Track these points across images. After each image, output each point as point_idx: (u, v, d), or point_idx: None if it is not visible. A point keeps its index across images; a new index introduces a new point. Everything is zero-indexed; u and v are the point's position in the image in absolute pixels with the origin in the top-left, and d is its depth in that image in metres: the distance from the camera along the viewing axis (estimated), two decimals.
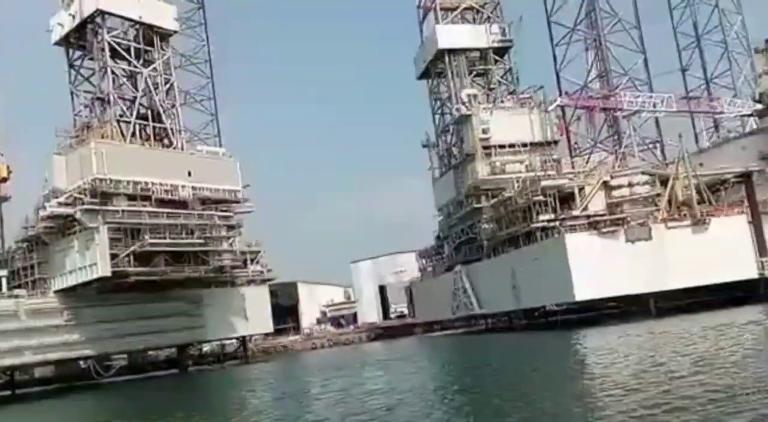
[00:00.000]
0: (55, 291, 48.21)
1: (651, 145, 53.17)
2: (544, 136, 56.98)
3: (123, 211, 47.10)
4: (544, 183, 45.88)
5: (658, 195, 45.98)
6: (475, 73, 63.04)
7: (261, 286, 63.09)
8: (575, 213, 45.23)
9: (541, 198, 45.66)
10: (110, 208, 46.59)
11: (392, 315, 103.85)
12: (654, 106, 49.27)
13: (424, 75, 66.25)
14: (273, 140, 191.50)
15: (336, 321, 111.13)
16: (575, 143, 58.57)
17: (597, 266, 42.60)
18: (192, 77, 71.32)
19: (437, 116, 65.66)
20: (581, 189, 46.34)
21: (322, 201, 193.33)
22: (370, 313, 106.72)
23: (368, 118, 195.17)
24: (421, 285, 74.92)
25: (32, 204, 50.16)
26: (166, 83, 54.79)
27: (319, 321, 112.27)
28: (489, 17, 62.96)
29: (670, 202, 46.04)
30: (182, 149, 54.61)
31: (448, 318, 68.36)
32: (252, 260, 60.71)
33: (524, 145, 56.24)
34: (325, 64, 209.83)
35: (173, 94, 55.45)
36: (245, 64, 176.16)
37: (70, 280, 47.00)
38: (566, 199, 47.01)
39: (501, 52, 63.26)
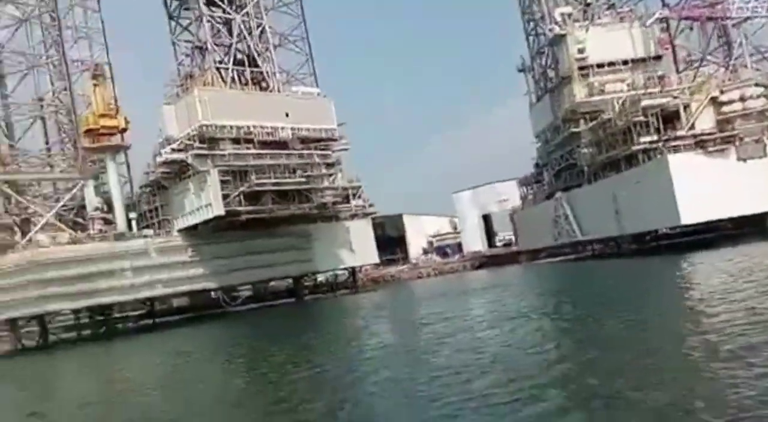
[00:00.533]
0: (178, 231, 52.76)
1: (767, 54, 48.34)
2: (646, 52, 53.39)
3: (229, 154, 50.15)
4: (644, 102, 43.63)
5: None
6: None
7: (364, 220, 65.24)
8: (680, 132, 42.84)
9: (641, 118, 43.57)
10: (217, 152, 49.71)
11: (498, 244, 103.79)
12: None
13: None
14: (364, 77, 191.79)
15: (442, 251, 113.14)
16: (687, 55, 54.56)
17: (704, 187, 40.53)
18: (284, 18, 73.21)
19: (531, 38, 63.08)
20: (686, 106, 43.67)
21: (419, 137, 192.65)
22: (474, 242, 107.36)
23: (456, 46, 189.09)
24: (523, 213, 74.40)
25: (152, 152, 54.74)
26: (258, 27, 56.32)
27: (425, 252, 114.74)
28: None
29: None
30: (279, 91, 56.49)
31: (551, 245, 67.76)
32: (354, 195, 62.86)
33: (625, 62, 53.10)
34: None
35: (266, 37, 56.99)
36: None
37: (190, 220, 51.17)
38: (670, 118, 44.54)
39: None
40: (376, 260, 69.42)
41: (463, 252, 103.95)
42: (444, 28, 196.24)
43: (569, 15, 55.28)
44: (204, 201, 49.71)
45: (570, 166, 57.53)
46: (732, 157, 41.23)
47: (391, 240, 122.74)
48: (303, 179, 54.04)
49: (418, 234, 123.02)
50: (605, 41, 53.51)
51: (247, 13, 55.46)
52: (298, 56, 72.18)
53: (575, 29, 53.81)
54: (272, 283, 63.58)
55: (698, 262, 33.60)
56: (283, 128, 54.18)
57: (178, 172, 51.75)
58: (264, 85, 56.57)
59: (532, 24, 63.03)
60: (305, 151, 54.89)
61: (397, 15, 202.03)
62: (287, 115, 54.70)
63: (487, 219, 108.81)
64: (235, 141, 51.60)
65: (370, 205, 65.37)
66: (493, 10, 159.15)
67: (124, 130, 55.32)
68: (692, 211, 40.80)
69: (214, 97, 50.56)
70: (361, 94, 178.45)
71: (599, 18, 56.95)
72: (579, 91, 52.92)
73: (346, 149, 60.42)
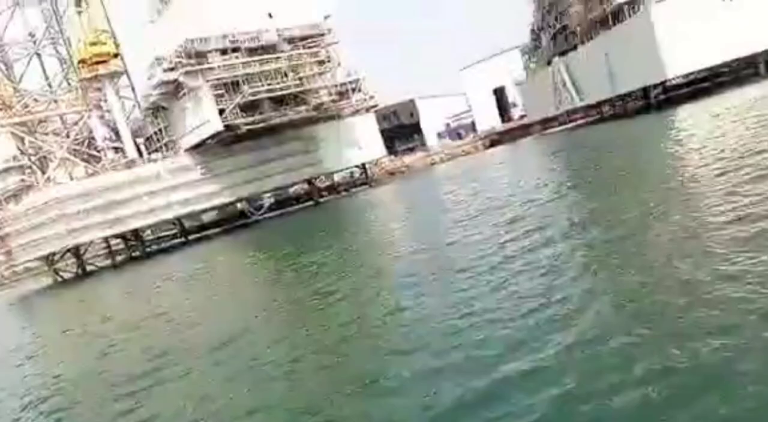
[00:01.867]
0: (186, 150, 54.43)
1: None
2: None
3: (218, 66, 50.52)
4: None
5: None
6: None
7: (367, 114, 65.48)
8: None
9: None
10: (206, 65, 50.13)
11: (516, 116, 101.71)
12: None
13: None
14: None
15: (456, 133, 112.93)
16: None
17: (689, 36, 39.56)
18: None
19: None
20: None
21: (416, 16, 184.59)
22: (487, 119, 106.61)
23: None
24: (526, 83, 73.45)
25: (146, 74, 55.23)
26: None
27: (439, 136, 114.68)
28: None
29: None
30: None
31: (555, 114, 67.44)
32: (353, 90, 62.77)
33: None
34: None
35: None
36: None
37: (193, 139, 52.61)
38: None
39: None
40: (384, 153, 70.28)
41: (476, 132, 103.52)
42: None
43: None
44: (202, 118, 50.82)
45: (564, 27, 56.10)
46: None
47: (406, 128, 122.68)
48: (296, 82, 54.39)
49: (434, 117, 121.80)
50: None
51: None
52: None
53: None
54: (292, 189, 65.67)
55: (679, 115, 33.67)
56: (267, 30, 53.86)
57: (174, 91, 52.54)
58: None
59: None
60: (293, 52, 54.79)
61: None
62: (270, 15, 54.13)
63: (500, 92, 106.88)
64: (223, 52, 51.79)
65: (371, 98, 64.96)
66: None
67: (116, 54, 55.82)
68: (678, 63, 40.19)
69: (194, 5, 49.98)
70: None
71: None
72: None
73: (335, 43, 59.88)
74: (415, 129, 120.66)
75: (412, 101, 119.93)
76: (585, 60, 52.17)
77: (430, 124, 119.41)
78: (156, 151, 56.13)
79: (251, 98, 51.56)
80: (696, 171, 14.57)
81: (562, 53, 57.06)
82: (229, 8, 51.31)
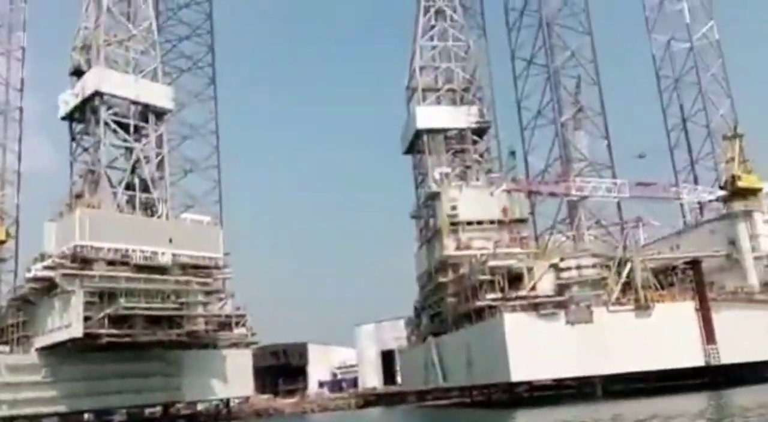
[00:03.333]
0: (37, 349, 51.74)
1: (610, 228, 54.06)
2: (512, 214, 58.71)
3: (100, 276, 50.83)
4: (491, 263, 47.57)
5: (605, 278, 46.88)
6: (453, 151, 65.85)
7: (244, 350, 65.30)
8: (521, 293, 46.48)
9: (488, 277, 47.20)
10: (88, 272, 50.38)
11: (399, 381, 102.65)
12: (608, 191, 50.81)
13: (409, 151, 69.49)
14: (273, 205, 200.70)
15: (338, 385, 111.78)
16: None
17: (535, 347, 43.48)
18: (200, 146, 77.70)
19: (419, 190, 68.38)
20: (530, 269, 47.67)
21: (329, 266, 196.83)
22: (371, 378, 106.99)
23: (364, 193, 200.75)
24: (406, 353, 75.93)
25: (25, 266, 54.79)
26: (157, 156, 59.40)
27: (320, 385, 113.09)
28: (467, 98, 66.17)
29: (616, 285, 46.84)
30: (167, 218, 58.51)
31: (432, 387, 68.79)
32: (237, 324, 63.55)
33: (492, 222, 57.94)
34: (324, 148, 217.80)
35: (164, 166, 59.95)
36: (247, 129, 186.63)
37: (47, 339, 50.51)
38: (518, 278, 48.36)
39: (480, 132, 66.07)
40: (251, 392, 68.70)
41: (358, 388, 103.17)
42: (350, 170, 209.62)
43: (446, 175, 60.73)
44: (65, 321, 49.49)
45: (439, 312, 60.41)
46: (562, 320, 44.71)
47: (293, 369, 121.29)
48: (176, 305, 54.75)
49: (323, 364, 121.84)
50: (477, 202, 58.61)
51: (147, 143, 58.66)
52: (208, 182, 76.77)
53: (450, 188, 58.98)
54: (149, 410, 62.15)
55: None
56: (163, 253, 55.60)
57: (48, 288, 51.72)
58: (154, 210, 58.63)
59: (421, 177, 68.55)
60: (183, 278, 56.05)
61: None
62: (170, 240, 56.44)
63: (388, 355, 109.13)
64: (111, 263, 52.58)
65: (253, 335, 65.82)
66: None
67: (2, 242, 55.80)
68: (522, 369, 43.40)
69: (96, 218, 52.07)
70: (271, 218, 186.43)
71: (477, 180, 62.70)
72: (448, 245, 56.96)
73: (228, 277, 62.14)
74: (301, 372, 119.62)
75: (304, 345, 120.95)
76: (451, 346, 55.40)
77: (317, 370, 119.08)
78: (5, 343, 53.08)
79: (124, 312, 51.10)
80: None
81: (436, 334, 60.50)
82: (131, 228, 53.75)
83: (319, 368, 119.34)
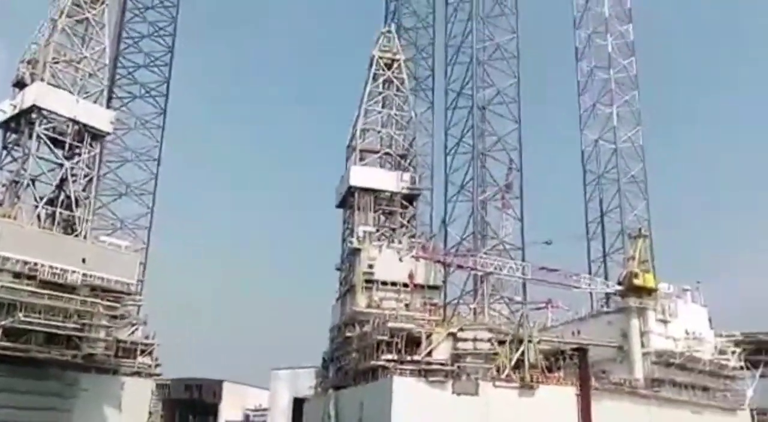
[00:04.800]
0: None
1: (513, 305, 56.37)
2: (426, 280, 60.80)
3: (2, 286, 50.27)
4: (390, 324, 49.04)
5: (497, 354, 48.85)
6: (381, 212, 68.16)
7: (146, 379, 64.43)
8: (416, 357, 47.93)
9: (386, 337, 48.60)
10: None
11: None
12: (510, 270, 53.55)
13: (341, 205, 71.51)
14: (206, 241, 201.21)
15: None
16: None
17: (420, 412, 44.69)
18: (139, 171, 78.00)
19: (345, 244, 70.06)
20: (429, 335, 49.30)
21: (256, 306, 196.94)
22: None
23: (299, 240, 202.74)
24: (310, 403, 75.91)
25: None
26: (85, 176, 59.76)
27: None
28: (403, 165, 69.15)
29: (509, 362, 48.85)
30: (84, 238, 58.46)
31: None
32: (143, 352, 62.94)
33: (405, 285, 59.79)
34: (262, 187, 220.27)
35: (91, 187, 60.29)
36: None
37: None
38: (417, 342, 49.86)
39: (410, 198, 68.80)
40: None
41: None
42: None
43: (370, 233, 62.68)
44: None
45: (344, 366, 61.15)
46: (449, 389, 46.20)
47: (205, 406, 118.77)
48: (77, 326, 54.19)
49: (237, 404, 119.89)
50: (395, 264, 60.53)
51: (78, 162, 59.08)
52: (140, 206, 76.78)
53: (370, 247, 60.84)
54: None
55: None
56: (74, 272, 55.32)
57: None
58: (74, 229, 58.55)
59: (348, 231, 70.33)
60: (89, 299, 55.65)
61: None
62: (84, 260, 56.28)
63: (300, 404, 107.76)
64: (17, 275, 52.10)
65: (157, 366, 65.19)
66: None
67: None
68: None
69: (8, 230, 51.84)
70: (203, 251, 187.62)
71: (399, 242, 64.79)
72: (360, 301, 58.35)
73: (139, 304, 62.04)
74: (213, 409, 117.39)
75: (219, 382, 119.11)
76: (348, 402, 56.05)
77: (230, 410, 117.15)
78: None
79: (19, 326, 50.39)
80: None
81: (338, 388, 61.06)
82: (44, 243, 53.55)
83: (231, 408, 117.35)
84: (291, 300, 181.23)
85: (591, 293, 65.64)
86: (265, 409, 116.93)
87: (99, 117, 60.87)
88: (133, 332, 64.26)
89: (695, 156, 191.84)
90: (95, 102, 62.27)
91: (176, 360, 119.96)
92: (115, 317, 58.38)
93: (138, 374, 62.59)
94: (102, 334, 56.54)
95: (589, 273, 72.96)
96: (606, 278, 69.93)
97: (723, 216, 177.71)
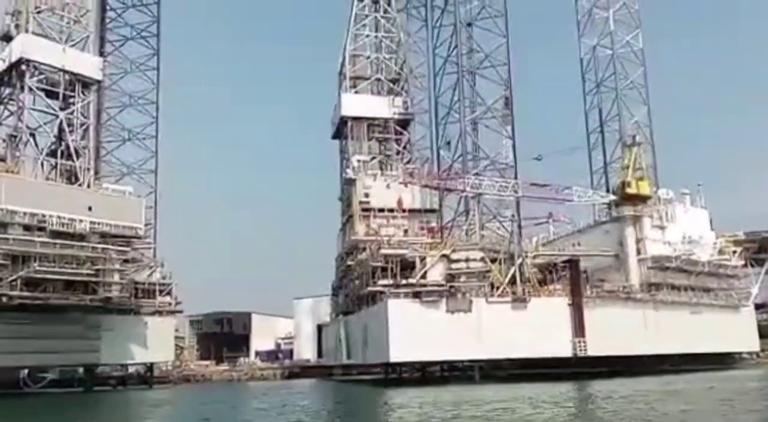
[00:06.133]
0: None
1: (507, 223, 56.99)
2: (423, 204, 61.70)
3: (14, 239, 52.60)
4: (383, 251, 50.49)
5: (489, 271, 50.20)
6: (375, 140, 68.37)
7: (167, 317, 67.79)
8: (411, 281, 49.59)
9: (380, 263, 50.18)
10: (2, 236, 52.09)
11: None
12: (501, 189, 53.94)
13: (336, 136, 71.81)
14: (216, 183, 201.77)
15: (274, 356, 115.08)
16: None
17: (415, 332, 46.72)
18: (138, 115, 78.98)
19: (342, 175, 70.90)
20: (423, 259, 50.75)
21: (273, 239, 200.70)
22: (306, 351, 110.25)
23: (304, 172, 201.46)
24: (326, 329, 79.24)
25: None
26: (81, 126, 60.81)
27: (257, 354, 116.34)
28: (395, 90, 68.56)
29: (504, 278, 50.23)
30: (88, 186, 60.19)
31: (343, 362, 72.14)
32: (161, 292, 66.05)
33: (403, 210, 60.86)
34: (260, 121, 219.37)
35: (89, 135, 61.47)
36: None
37: None
38: (412, 266, 51.42)
39: (404, 123, 68.64)
40: (172, 357, 71.39)
41: (294, 359, 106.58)
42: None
43: (365, 162, 63.31)
44: None
45: (350, 293, 63.52)
46: (443, 308, 48.03)
47: (236, 338, 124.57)
48: (90, 271, 56.78)
49: (267, 334, 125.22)
50: (390, 191, 61.43)
51: (73, 111, 60.00)
52: (145, 151, 78.20)
53: (365, 176, 61.64)
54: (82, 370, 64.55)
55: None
56: (81, 221, 57.39)
57: None
58: (76, 179, 60.23)
59: (346, 162, 71.02)
60: (99, 245, 57.99)
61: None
62: (90, 208, 58.24)
63: (321, 328, 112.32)
64: (27, 228, 54.30)
65: (178, 304, 68.49)
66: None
67: None
68: (400, 351, 46.73)
69: (12, 183, 53.53)
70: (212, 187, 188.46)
71: (396, 169, 65.35)
72: (359, 230, 59.84)
73: (148, 247, 64.37)
74: (245, 340, 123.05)
75: (248, 314, 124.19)
76: (354, 326, 58.64)
77: (262, 340, 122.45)
78: None
79: (36, 276, 53.05)
80: None
81: (346, 313, 63.68)
82: (49, 194, 55.29)
83: (263, 337, 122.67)
84: (306, 233, 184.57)
85: (594, 205, 65.92)
86: (290, 337, 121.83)
87: (88, 64, 61.09)
88: (151, 274, 67.24)
89: (699, 55, 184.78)
90: (83, 49, 62.35)
91: (207, 298, 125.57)
92: (127, 261, 60.84)
93: (159, 313, 65.76)
94: (116, 278, 59.06)
95: (591, 183, 73.12)
96: (608, 187, 70.08)
97: (728, 118, 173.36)
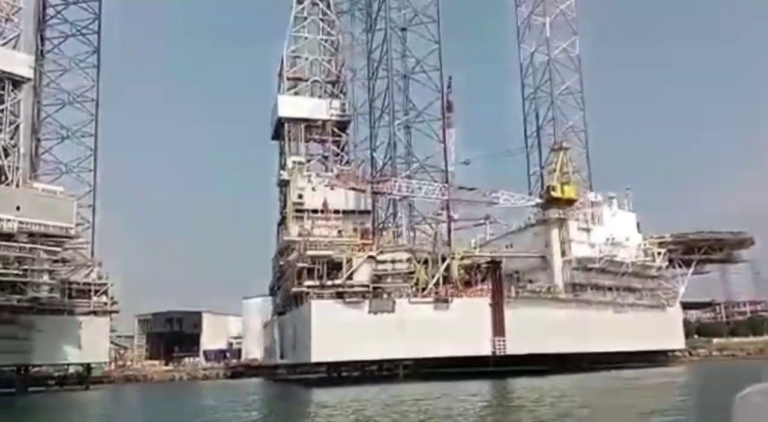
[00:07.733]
0: None
1: (434, 225, 58.14)
2: (357, 206, 62.47)
3: None
4: (310, 252, 51.15)
5: (413, 272, 51.28)
6: (314, 140, 68.96)
7: (102, 317, 67.29)
8: (336, 281, 50.35)
9: (307, 264, 50.83)
10: None
11: None
12: (427, 192, 55.06)
13: (276, 137, 72.17)
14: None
15: (222, 355, 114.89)
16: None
17: (338, 332, 47.49)
18: (77, 113, 78.08)
19: (279, 175, 71.14)
20: (349, 260, 51.54)
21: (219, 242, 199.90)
22: (254, 349, 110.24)
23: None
24: (266, 329, 79.57)
25: None
26: (11, 124, 60.10)
27: (205, 354, 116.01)
28: (334, 92, 69.22)
29: (431, 279, 51.35)
30: (17, 186, 59.55)
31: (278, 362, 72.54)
32: (97, 292, 65.58)
33: (336, 211, 61.53)
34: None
35: (18, 134, 60.75)
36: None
37: None
38: (339, 267, 52.16)
39: (342, 125, 69.35)
40: (106, 358, 70.96)
41: (241, 358, 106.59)
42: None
43: (300, 163, 63.79)
44: None
45: (283, 293, 64.01)
46: (365, 308, 48.93)
47: (186, 337, 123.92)
48: (17, 272, 56.24)
49: (220, 334, 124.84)
50: (324, 192, 62.00)
51: (3, 109, 59.26)
52: (84, 149, 77.35)
53: (299, 177, 62.13)
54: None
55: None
56: (9, 220, 56.82)
57: None
58: (4, 178, 59.51)
59: (284, 163, 71.28)
60: (29, 245, 57.44)
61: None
62: (18, 208, 57.63)
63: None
64: None
65: (114, 304, 68.05)
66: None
67: None
68: (323, 351, 47.50)
69: None
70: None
71: (331, 171, 65.96)
72: (292, 230, 60.28)
73: (82, 247, 63.92)
74: (196, 340, 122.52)
75: (199, 313, 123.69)
76: (286, 326, 59.21)
77: (213, 339, 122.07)
78: None
79: None
80: None
81: (281, 313, 64.16)
82: None
83: (215, 337, 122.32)
84: (255, 232, 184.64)
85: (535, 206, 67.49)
86: (240, 337, 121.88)
87: (17, 63, 60.41)
88: (88, 274, 66.71)
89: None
90: (14, 47, 61.72)
91: (162, 297, 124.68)
92: (57, 261, 60.35)
93: (94, 313, 65.27)
94: (45, 278, 58.68)
95: (528, 186, 74.90)
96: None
97: (667, 125, 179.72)
